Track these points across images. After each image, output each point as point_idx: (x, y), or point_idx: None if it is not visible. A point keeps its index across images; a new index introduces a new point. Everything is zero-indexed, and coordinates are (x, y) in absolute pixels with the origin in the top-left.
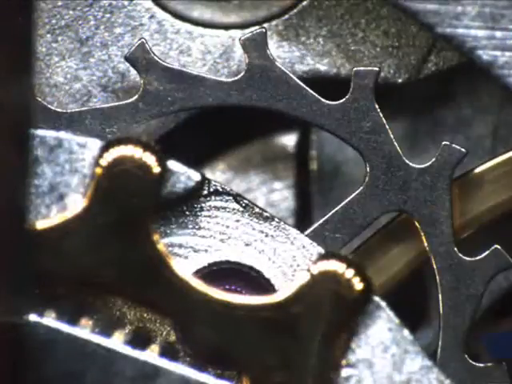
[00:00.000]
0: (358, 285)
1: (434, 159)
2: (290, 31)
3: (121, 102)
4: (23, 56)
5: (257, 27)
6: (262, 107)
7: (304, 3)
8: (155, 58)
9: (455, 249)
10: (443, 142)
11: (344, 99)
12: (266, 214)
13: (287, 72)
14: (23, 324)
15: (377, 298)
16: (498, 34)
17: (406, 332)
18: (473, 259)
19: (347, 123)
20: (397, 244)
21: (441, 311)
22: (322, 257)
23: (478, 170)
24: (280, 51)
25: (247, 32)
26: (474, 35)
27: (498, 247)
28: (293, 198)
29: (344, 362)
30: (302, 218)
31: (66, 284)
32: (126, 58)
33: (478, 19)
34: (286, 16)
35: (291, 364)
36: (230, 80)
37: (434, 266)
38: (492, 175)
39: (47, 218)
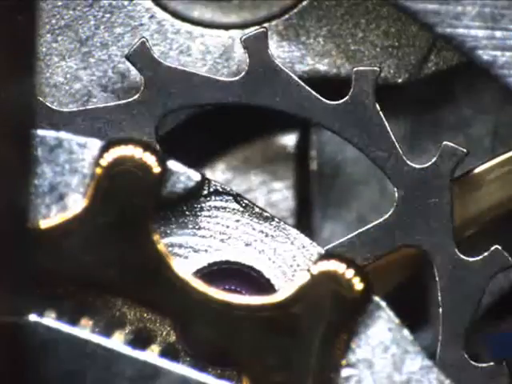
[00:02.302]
0: (358, 285)
1: (434, 159)
2: (290, 31)
3: (121, 102)
4: (25, 56)
5: (257, 27)
6: (262, 106)
7: (304, 3)
8: (155, 57)
9: (455, 249)
10: (443, 142)
11: (345, 99)
12: (265, 214)
13: (288, 72)
14: (23, 324)
15: (377, 298)
16: (498, 34)
17: (405, 332)
18: (473, 259)
19: (348, 122)
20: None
21: (441, 311)
22: (322, 257)
23: (477, 170)
24: (280, 51)
25: (247, 32)
26: (474, 35)
27: (498, 247)
28: (293, 198)
29: (344, 362)
30: (302, 218)
31: (66, 284)
32: (127, 58)
33: (478, 19)
34: (286, 16)
35: (291, 364)
36: (231, 79)
37: (434, 266)
38: (492, 175)
39: (47, 218)
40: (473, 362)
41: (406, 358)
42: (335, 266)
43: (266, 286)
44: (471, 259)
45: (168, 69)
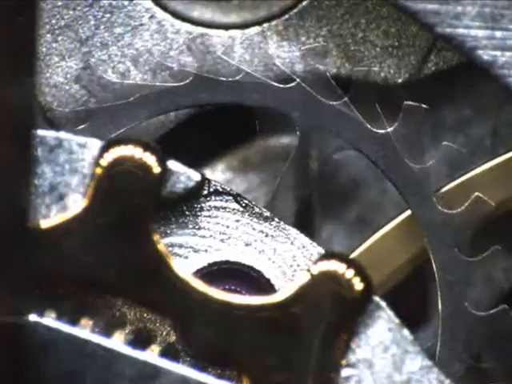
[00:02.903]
0: (359, 285)
1: (434, 159)
2: (290, 31)
3: (121, 101)
4: (25, 56)
5: (257, 27)
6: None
7: (304, 3)
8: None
9: (455, 249)
10: (443, 142)
11: (344, 99)
12: (266, 213)
13: (288, 72)
14: (23, 324)
15: (377, 298)
16: (498, 34)
17: (405, 332)
18: (473, 259)
19: (347, 122)
20: (397, 243)
21: (441, 311)
22: (322, 257)
23: (478, 170)
24: (280, 51)
25: (247, 32)
26: (474, 35)
27: (498, 247)
28: (293, 198)
29: (344, 362)
30: (302, 218)
31: (66, 284)
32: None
33: (478, 19)
34: (286, 16)
35: (291, 364)
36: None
37: (434, 266)
38: (492, 175)
39: (47, 218)
40: (473, 362)
41: (405, 358)
42: (335, 266)
43: (266, 286)
44: (471, 259)
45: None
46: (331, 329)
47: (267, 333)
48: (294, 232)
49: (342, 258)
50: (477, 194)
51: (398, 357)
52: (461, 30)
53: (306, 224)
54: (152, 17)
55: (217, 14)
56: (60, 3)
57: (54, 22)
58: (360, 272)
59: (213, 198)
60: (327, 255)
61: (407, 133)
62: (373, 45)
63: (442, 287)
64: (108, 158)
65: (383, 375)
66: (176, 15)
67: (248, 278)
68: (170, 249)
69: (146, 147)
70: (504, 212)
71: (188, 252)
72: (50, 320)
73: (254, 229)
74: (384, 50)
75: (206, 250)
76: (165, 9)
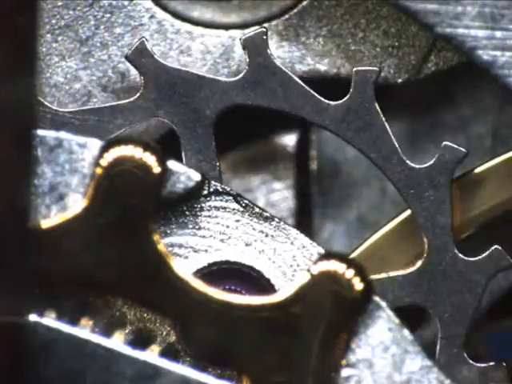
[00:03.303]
0: (359, 285)
1: (434, 159)
2: (290, 31)
3: (121, 102)
4: (26, 56)
5: (257, 27)
6: (262, 107)
7: (304, 3)
8: (155, 57)
9: (455, 249)
10: (444, 142)
11: (344, 99)
12: (265, 214)
13: (288, 72)
14: (23, 324)
15: (377, 298)
16: (498, 34)
17: (406, 332)
18: (473, 259)
19: (348, 123)
20: (397, 243)
21: (440, 311)
22: (322, 257)
23: (477, 170)
24: (280, 51)
25: (247, 32)
26: (474, 35)
27: (498, 247)
28: (293, 198)
29: (344, 362)
30: (302, 218)
31: (66, 284)
32: (127, 58)
33: (478, 19)
34: (286, 16)
35: (291, 364)
36: (231, 80)
37: (434, 266)
38: (492, 175)
39: (47, 218)
40: (473, 362)
41: (405, 358)
42: (335, 266)
43: (266, 286)
44: (471, 259)
45: (168, 69)
46: (331, 329)
47: (267, 333)
48: (293, 232)
49: (342, 258)
50: (476, 193)
51: (397, 357)
52: (461, 30)
53: (305, 224)
54: (152, 17)
55: (217, 14)
56: (60, 3)
57: (54, 22)
58: (360, 272)
59: (213, 197)
60: (327, 255)
61: (407, 133)
62: (373, 45)
63: (441, 287)
64: (108, 157)
65: (383, 375)
66: (176, 15)
67: (248, 277)
68: (170, 249)
69: (146, 147)
70: (504, 212)
71: (188, 252)
72: (50, 320)
73: (254, 229)
74: (384, 50)
75: (206, 250)
76: (165, 9)
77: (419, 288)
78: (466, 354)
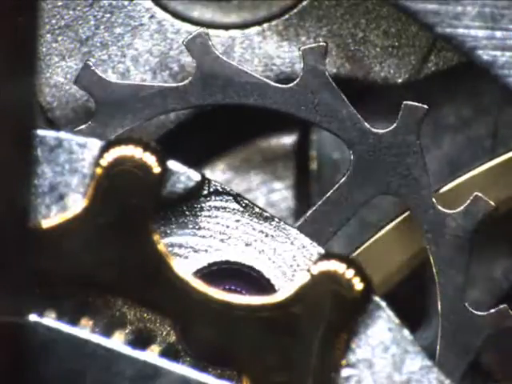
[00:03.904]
0: (359, 285)
1: (397, 121)
2: (290, 31)
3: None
4: (26, 56)
5: (257, 27)
6: (218, 104)
7: (304, 3)
8: (103, 77)
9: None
10: (404, 102)
11: (293, 83)
12: (266, 214)
13: (234, 64)
14: (23, 324)
15: (377, 298)
16: (498, 34)
17: (406, 332)
18: (473, 259)
19: (296, 103)
20: (396, 243)
21: (440, 311)
22: (322, 257)
23: (477, 170)
24: (280, 51)
25: (247, 32)
26: (474, 35)
27: (498, 247)
28: (293, 198)
29: (344, 361)
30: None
31: (66, 284)
32: (75, 83)
33: (478, 19)
34: (286, 16)
35: (291, 364)
36: (182, 84)
37: (434, 266)
38: (492, 175)
39: (47, 218)
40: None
41: (405, 358)
42: (335, 266)
43: (266, 286)
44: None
45: (115, 86)
46: (331, 329)
47: (267, 333)
48: (293, 232)
49: (342, 258)
50: (477, 194)
51: (397, 357)
52: (461, 30)
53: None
54: (152, 17)
55: (217, 14)
56: (60, 3)
57: (54, 21)
58: (360, 272)
59: (213, 197)
60: (327, 255)
61: (407, 133)
62: (373, 45)
63: (441, 287)
64: (108, 157)
65: (383, 375)
66: (176, 15)
67: (248, 277)
68: (170, 249)
69: (146, 147)
70: (504, 212)
71: (188, 252)
72: (50, 320)
73: (254, 229)
74: (384, 49)
75: (206, 250)
76: (165, 9)
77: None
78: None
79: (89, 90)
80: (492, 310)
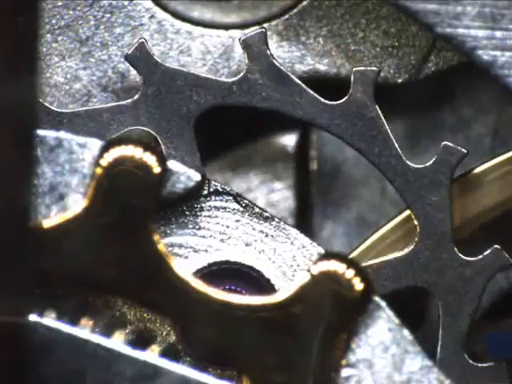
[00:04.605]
0: (359, 285)
1: (434, 159)
2: (290, 31)
3: (121, 102)
4: (26, 56)
5: (257, 27)
6: (261, 107)
7: (304, 3)
8: (155, 57)
9: (455, 249)
10: (443, 142)
11: (344, 99)
12: (266, 214)
13: (287, 72)
14: (23, 324)
15: (377, 298)
16: (498, 34)
17: (405, 332)
18: (473, 259)
19: (346, 123)
20: (396, 244)
21: (441, 312)
22: (322, 257)
23: (477, 170)
24: (280, 51)
25: (247, 32)
26: (474, 35)
27: (498, 247)
28: (293, 198)
29: (344, 362)
30: (302, 218)
31: (66, 284)
32: (126, 58)
33: (478, 19)
34: (286, 16)
35: (291, 364)
36: (230, 80)
37: (434, 266)
38: (492, 175)
39: (47, 218)
40: (473, 362)
41: (405, 358)
42: (335, 266)
43: (266, 286)
44: (471, 259)
45: (166, 69)
46: (331, 329)
47: (267, 333)
48: (294, 232)
49: (342, 258)
50: (476, 193)
51: (397, 357)
52: (461, 30)
53: (305, 224)
54: (152, 17)
55: (217, 14)
56: (60, 3)
57: (54, 21)
58: (360, 272)
59: (213, 197)
60: (327, 255)
61: (407, 133)
62: (373, 45)
63: (441, 287)
64: (108, 157)
65: (383, 375)
66: (176, 15)
67: (248, 277)
68: (170, 249)
69: (146, 147)
70: (504, 212)
71: (188, 252)
72: (50, 320)
73: (254, 229)
74: (384, 50)
75: (206, 250)
76: (165, 9)
77: (416, 274)
78: (465, 355)
79: (137, 68)
80: (484, 254)
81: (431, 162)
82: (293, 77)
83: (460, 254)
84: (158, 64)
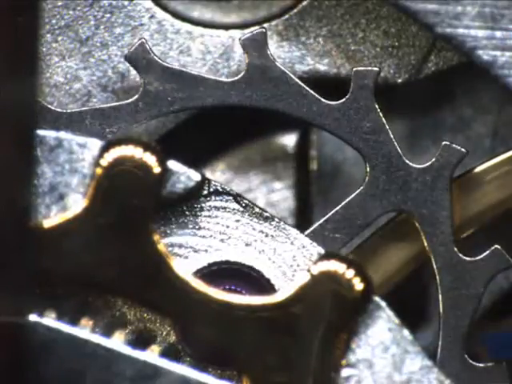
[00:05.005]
0: (359, 285)
1: (434, 159)
2: (290, 31)
3: (121, 102)
4: (26, 56)
5: (257, 27)
6: (261, 107)
7: (304, 3)
8: (155, 57)
9: (455, 249)
10: (443, 142)
11: (344, 99)
12: (266, 214)
13: (287, 72)
14: (23, 324)
15: (377, 298)
16: (498, 34)
17: (405, 332)
18: (473, 259)
19: (347, 123)
20: (396, 243)
21: (441, 311)
22: (322, 257)
23: (477, 170)
24: (280, 51)
25: (247, 32)
26: (474, 35)
27: (498, 247)
28: (293, 198)
29: (344, 361)
30: (302, 218)
31: (66, 284)
32: (126, 58)
33: (478, 19)
34: (286, 16)
35: (291, 364)
36: (229, 80)
37: (434, 266)
38: (492, 175)
39: (47, 218)
40: (473, 362)
41: (405, 358)
42: (335, 266)
43: (266, 286)
44: (471, 259)
45: (167, 69)
46: (331, 329)
47: (267, 333)
48: (293, 232)
49: (342, 258)
50: (476, 193)
51: (397, 357)
52: (461, 30)
53: (305, 224)
54: (152, 17)
55: (217, 14)
56: (60, 3)
57: (54, 21)
58: (360, 272)
59: (213, 197)
60: (327, 255)
61: (407, 133)
62: (373, 45)
63: (442, 287)
64: (108, 157)
65: (383, 375)
66: (176, 15)
67: (248, 277)
68: (170, 249)
69: (146, 147)
70: (504, 212)
71: (188, 252)
72: (50, 320)
73: (254, 229)
74: (384, 50)
75: (206, 250)
76: (165, 9)
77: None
78: (466, 355)
79: (138, 68)
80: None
81: (431, 162)
82: (293, 77)
83: (460, 254)
84: (157, 64)
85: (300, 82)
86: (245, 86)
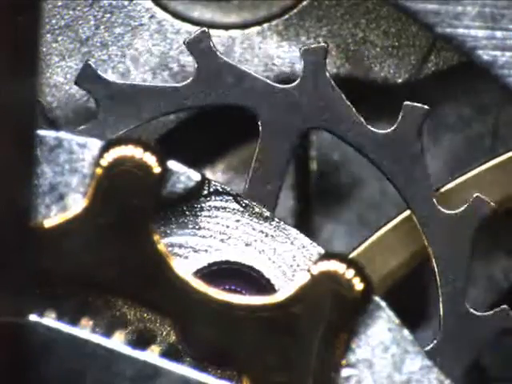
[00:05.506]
0: (359, 285)
1: (397, 121)
2: (290, 31)
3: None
4: (27, 56)
5: (257, 27)
6: (217, 105)
7: (304, 3)
8: (103, 77)
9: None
10: (404, 103)
11: (295, 83)
12: (266, 214)
13: (238, 66)
14: (23, 324)
15: (377, 298)
16: (498, 34)
17: (405, 332)
18: (453, 212)
19: (298, 105)
20: (397, 243)
21: (441, 311)
22: (322, 257)
23: (477, 170)
24: (280, 51)
25: (246, 32)
26: (474, 35)
27: (498, 247)
28: (293, 198)
29: (344, 361)
30: (302, 218)
31: (66, 284)
32: (75, 83)
33: (478, 19)
34: (286, 16)
35: (291, 364)
36: (180, 85)
37: (434, 266)
38: (492, 175)
39: (47, 218)
40: (474, 311)
41: (405, 358)
42: (335, 266)
43: (266, 286)
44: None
45: (116, 86)
46: (331, 329)
47: (267, 333)
48: (294, 232)
49: (342, 258)
50: (477, 193)
51: (397, 357)
52: (461, 30)
53: (305, 224)
54: (152, 17)
55: (217, 14)
56: (60, 3)
57: (54, 21)
58: (360, 272)
59: (213, 197)
60: (327, 255)
61: (407, 133)
62: (373, 45)
63: (442, 287)
64: (108, 157)
65: (383, 375)
66: (176, 15)
67: (248, 277)
68: (170, 249)
69: (146, 147)
70: (504, 212)
71: (188, 252)
72: (50, 320)
73: (254, 229)
74: (384, 50)
75: (206, 250)
76: (165, 9)
77: None
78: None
79: (89, 90)
80: (492, 311)
81: (396, 125)
82: (246, 70)
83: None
84: (107, 82)
85: (253, 73)
86: (197, 87)
